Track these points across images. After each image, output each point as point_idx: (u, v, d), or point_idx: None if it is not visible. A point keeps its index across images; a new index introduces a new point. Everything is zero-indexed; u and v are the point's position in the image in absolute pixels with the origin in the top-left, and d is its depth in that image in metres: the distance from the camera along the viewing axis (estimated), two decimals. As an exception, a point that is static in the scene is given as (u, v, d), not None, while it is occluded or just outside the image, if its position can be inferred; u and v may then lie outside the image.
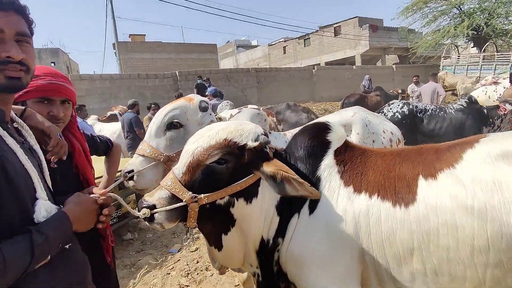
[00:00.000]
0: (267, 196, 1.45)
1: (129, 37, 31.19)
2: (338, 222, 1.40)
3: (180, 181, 1.33)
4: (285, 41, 36.94)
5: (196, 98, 2.07)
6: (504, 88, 9.73)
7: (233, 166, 1.35)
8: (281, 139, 2.54)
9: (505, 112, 4.73)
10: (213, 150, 1.33)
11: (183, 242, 4.30)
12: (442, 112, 4.76)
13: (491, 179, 1.21)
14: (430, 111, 4.81)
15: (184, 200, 1.30)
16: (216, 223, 1.44)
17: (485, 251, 1.18)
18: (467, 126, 4.59)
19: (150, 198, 1.33)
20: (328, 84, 19.92)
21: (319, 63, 29.70)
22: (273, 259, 1.52)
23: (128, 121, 6.84)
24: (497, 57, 18.95)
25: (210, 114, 2.09)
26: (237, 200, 1.38)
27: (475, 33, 21.61)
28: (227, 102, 6.50)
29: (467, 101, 4.84)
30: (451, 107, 4.86)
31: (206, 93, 10.38)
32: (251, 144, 1.36)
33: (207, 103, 2.05)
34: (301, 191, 1.35)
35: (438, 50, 25.22)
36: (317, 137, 1.58)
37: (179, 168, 1.37)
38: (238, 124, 1.43)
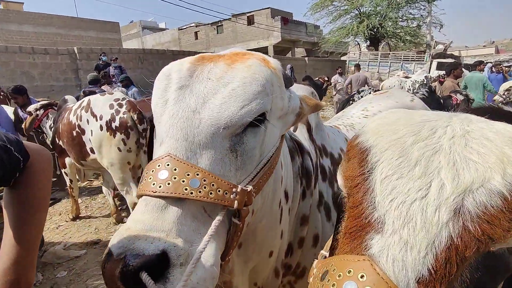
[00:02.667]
0: None
1: (0, 3, 24.88)
2: None
3: None
4: (196, 26, 35.15)
5: (271, 60, 1.03)
6: (412, 81, 11.02)
7: None
8: (341, 137, 1.73)
9: (458, 102, 4.90)
10: None
11: None
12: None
13: None
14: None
15: None
16: None
17: None
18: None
19: None
20: None
21: (233, 52, 29.20)
22: None
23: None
24: (391, 56, 21.65)
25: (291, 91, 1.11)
26: None
27: (373, 33, 24.22)
28: (120, 89, 5.34)
29: (428, 90, 4.87)
30: (416, 97, 4.82)
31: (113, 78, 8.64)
32: None
33: (284, 71, 1.06)
34: None
35: (341, 47, 27.64)
36: None
37: (406, 262, 0.50)
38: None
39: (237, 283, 1.08)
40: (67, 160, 4.33)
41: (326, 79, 11.32)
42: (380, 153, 0.59)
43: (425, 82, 9.99)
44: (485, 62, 13.87)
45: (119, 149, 3.57)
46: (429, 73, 15.00)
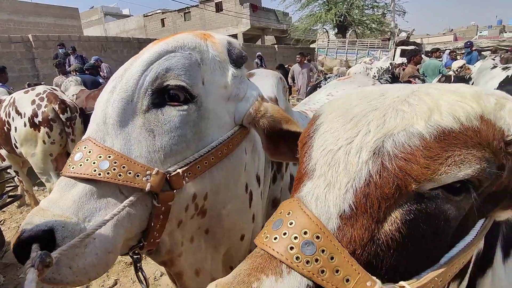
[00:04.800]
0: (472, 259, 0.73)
1: None
2: None
3: (340, 242, 0.51)
4: (163, 13, 33.87)
5: (218, 36, 1.00)
6: (377, 68, 11.41)
7: (478, 200, 0.55)
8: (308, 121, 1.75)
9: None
10: (454, 148, 0.51)
11: None
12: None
13: None
14: (362, 85, 4.78)
15: None
16: None
17: None
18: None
19: None
20: None
21: (203, 39, 28.55)
22: None
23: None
24: (358, 43, 22.15)
25: (249, 80, 1.06)
26: None
27: (340, 20, 24.58)
28: (73, 78, 5.15)
29: (391, 76, 5.06)
30: (379, 82, 4.99)
31: (71, 68, 8.10)
32: None
33: (238, 47, 1.01)
34: None
35: (310, 34, 27.86)
36: None
37: (327, 199, 0.53)
38: (466, 86, 0.61)
39: (183, 264, 1.06)
40: (3, 152, 4.19)
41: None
42: (325, 116, 0.63)
43: (389, 69, 10.38)
44: (443, 49, 14.64)
45: (44, 142, 3.71)
46: (393, 60, 15.55)
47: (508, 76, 4.18)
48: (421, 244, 0.53)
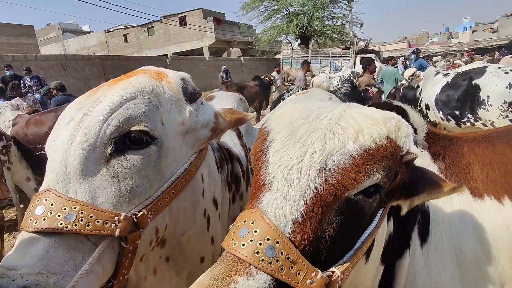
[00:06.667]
0: (380, 240, 0.89)
1: None
2: (468, 247, 0.95)
3: (294, 243, 0.63)
4: (125, 28, 33.28)
5: (171, 73, 1.06)
6: (339, 77, 11.96)
7: (381, 196, 0.74)
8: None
9: (373, 95, 5.48)
10: (372, 162, 0.68)
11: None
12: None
13: None
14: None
15: None
16: None
17: None
18: (356, 108, 5.07)
19: None
20: None
21: (167, 54, 28.33)
22: None
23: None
24: (321, 53, 23.01)
25: (203, 104, 1.12)
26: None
27: (302, 31, 25.45)
28: (7, 103, 4.92)
29: (351, 85, 5.35)
30: (339, 91, 5.25)
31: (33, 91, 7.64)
32: (416, 151, 0.76)
33: (191, 84, 1.08)
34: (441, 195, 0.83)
35: (275, 46, 28.57)
36: None
37: (284, 209, 0.65)
38: (374, 110, 0.78)
39: None
40: None
41: (272, 78, 11.70)
42: (275, 134, 0.75)
43: (351, 77, 10.91)
44: (398, 56, 15.61)
45: None
46: (354, 68, 16.33)
47: (448, 82, 4.60)
48: (345, 235, 0.68)
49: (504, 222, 0.97)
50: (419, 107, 5.40)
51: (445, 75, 4.82)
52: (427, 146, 0.85)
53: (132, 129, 0.85)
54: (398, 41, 56.02)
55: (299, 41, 26.95)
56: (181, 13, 30.33)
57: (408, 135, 0.74)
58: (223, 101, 1.56)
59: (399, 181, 0.76)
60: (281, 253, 0.61)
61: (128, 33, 32.88)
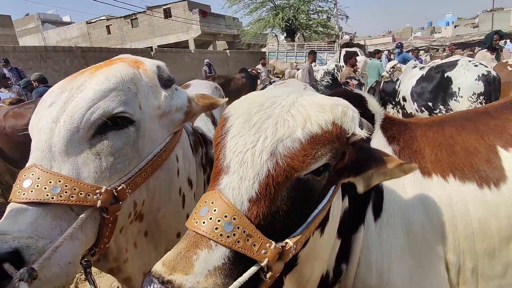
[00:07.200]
0: (335, 215, 0.98)
1: None
2: (416, 221, 1.07)
3: (249, 218, 0.70)
4: (108, 19, 32.47)
5: (147, 61, 1.14)
6: (324, 70, 12.13)
7: (329, 176, 0.82)
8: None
9: (353, 87, 5.65)
10: (319, 146, 0.75)
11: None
12: (314, 89, 5.17)
13: None
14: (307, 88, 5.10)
15: (264, 263, 0.69)
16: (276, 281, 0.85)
17: None
18: (336, 100, 5.22)
19: (185, 276, 0.63)
20: (169, 68, 18.40)
21: (151, 46, 27.88)
22: None
23: None
24: (306, 46, 23.12)
25: (177, 89, 1.21)
26: (313, 233, 0.86)
27: (288, 25, 25.47)
28: None
29: (331, 78, 5.48)
30: (321, 84, 5.37)
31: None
32: (361, 133, 0.84)
33: (166, 71, 1.17)
34: (395, 176, 0.92)
35: (261, 39, 28.51)
36: (360, 110, 1.18)
37: (240, 189, 0.72)
38: (325, 97, 0.86)
39: (131, 269, 1.18)
40: None
41: (259, 71, 11.85)
42: (233, 120, 0.81)
43: (334, 70, 11.06)
44: (383, 50, 15.90)
45: None
46: (338, 62, 16.53)
47: (423, 74, 4.81)
48: (298, 210, 0.76)
49: (447, 197, 1.09)
50: (397, 99, 5.59)
51: (421, 68, 5.01)
52: (372, 128, 0.94)
53: (114, 113, 0.95)
54: (383, 36, 56.73)
55: (285, 34, 26.98)
56: (166, 4, 29.79)
57: (353, 119, 0.82)
58: (199, 88, 1.64)
59: (348, 160, 0.84)
60: (238, 228, 0.67)
61: (111, 24, 32.10)
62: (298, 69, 17.57)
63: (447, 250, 1.10)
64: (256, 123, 0.77)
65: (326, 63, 16.94)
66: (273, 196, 0.72)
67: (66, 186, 0.86)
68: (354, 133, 0.81)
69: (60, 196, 0.85)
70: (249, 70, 11.74)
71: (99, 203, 0.90)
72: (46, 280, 0.80)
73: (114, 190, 0.93)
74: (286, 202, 0.74)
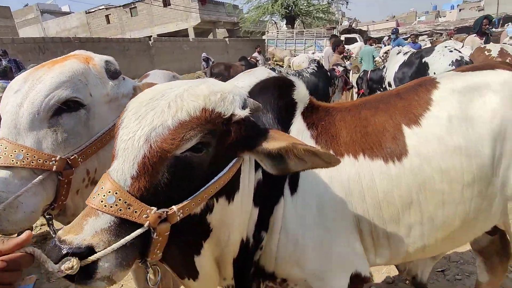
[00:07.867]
0: (247, 185, 1.10)
1: None
2: (327, 196, 1.21)
3: (130, 193, 0.84)
4: (106, 8, 32.34)
5: (97, 57, 1.34)
6: (319, 57, 12.12)
7: (215, 151, 0.93)
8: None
9: (339, 74, 5.69)
10: (187, 130, 0.87)
11: None
12: (300, 76, 5.24)
13: (463, 115, 1.25)
14: (290, 75, 5.17)
15: (146, 224, 0.83)
16: (187, 244, 1.01)
17: (471, 185, 1.24)
18: (320, 87, 5.29)
19: (75, 235, 0.80)
20: (168, 57, 18.94)
21: (151, 35, 27.77)
22: (253, 261, 1.20)
23: None
24: (306, 33, 22.95)
25: (124, 79, 1.40)
26: (217, 201, 0.98)
27: (287, 11, 25.20)
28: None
29: (317, 65, 5.53)
30: (306, 71, 5.44)
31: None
32: (240, 113, 0.95)
33: (114, 65, 1.37)
34: (313, 163, 1.01)
35: (260, 26, 28.26)
36: (284, 97, 1.29)
37: (123, 170, 0.86)
38: (210, 84, 0.97)
39: None
40: None
41: (257, 59, 12.11)
42: (126, 112, 0.94)
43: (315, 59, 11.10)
44: (383, 36, 15.74)
45: None
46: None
47: (405, 60, 4.87)
48: (183, 183, 0.89)
49: (356, 173, 1.22)
50: (384, 85, 5.66)
51: (404, 54, 5.06)
52: (259, 107, 1.04)
53: (66, 99, 1.17)
54: (387, 20, 55.76)
55: (285, 21, 26.73)
56: (164, -8, 29.53)
57: (232, 102, 0.94)
58: (156, 78, 1.77)
59: (236, 137, 0.94)
60: (119, 199, 0.82)
61: (110, 14, 32.00)
62: (295, 55, 17.49)
63: (359, 220, 1.24)
64: (141, 115, 0.90)
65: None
66: (152, 173, 0.85)
67: (28, 154, 1.09)
68: (233, 114, 0.93)
69: (23, 162, 1.07)
70: (248, 58, 11.89)
71: (54, 168, 1.12)
72: (14, 223, 1.06)
73: (68, 159, 1.15)
74: (167, 176, 0.86)
